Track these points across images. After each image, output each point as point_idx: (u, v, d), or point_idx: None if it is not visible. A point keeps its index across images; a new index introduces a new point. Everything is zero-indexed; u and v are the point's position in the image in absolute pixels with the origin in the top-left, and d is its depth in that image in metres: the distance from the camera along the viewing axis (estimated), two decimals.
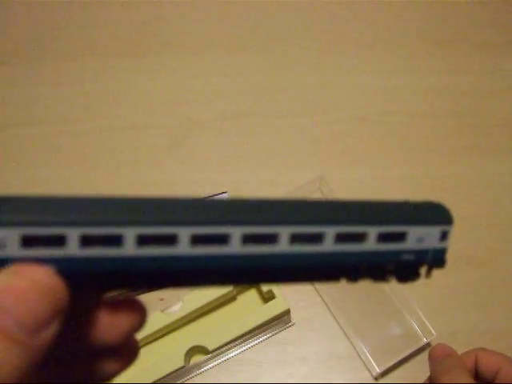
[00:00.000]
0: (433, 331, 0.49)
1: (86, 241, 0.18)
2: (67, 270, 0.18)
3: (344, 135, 0.62)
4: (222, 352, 0.49)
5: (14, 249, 0.18)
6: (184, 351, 0.48)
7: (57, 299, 0.17)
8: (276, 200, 0.22)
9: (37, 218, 0.18)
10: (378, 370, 0.48)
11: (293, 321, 0.51)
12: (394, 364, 0.48)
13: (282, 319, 0.50)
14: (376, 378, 0.48)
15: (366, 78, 0.67)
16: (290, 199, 0.22)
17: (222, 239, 0.20)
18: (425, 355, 0.49)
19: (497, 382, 0.36)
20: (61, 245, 0.18)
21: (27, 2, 0.72)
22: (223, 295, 0.50)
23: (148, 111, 0.64)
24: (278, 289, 0.50)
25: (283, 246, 0.21)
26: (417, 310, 0.50)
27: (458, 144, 0.62)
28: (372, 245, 0.23)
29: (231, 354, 0.50)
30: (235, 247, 0.20)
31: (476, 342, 0.49)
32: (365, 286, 0.51)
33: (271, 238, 0.21)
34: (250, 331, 0.49)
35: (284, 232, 0.21)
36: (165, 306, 0.50)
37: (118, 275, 0.19)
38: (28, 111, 0.64)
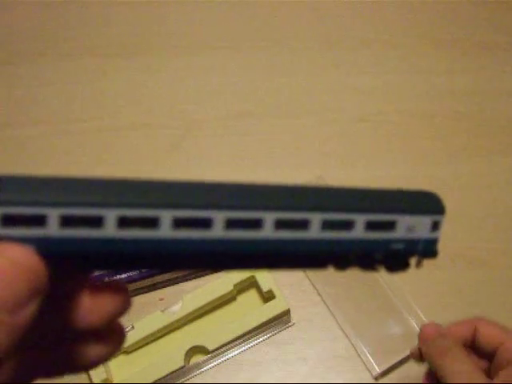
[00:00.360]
0: None
1: (66, 221, 0.18)
2: (47, 250, 0.18)
3: (343, 135, 0.62)
4: (222, 352, 0.49)
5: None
6: (184, 351, 0.48)
7: (36, 278, 0.17)
8: (263, 185, 0.22)
9: (18, 198, 0.18)
10: (377, 370, 0.48)
11: (293, 321, 0.51)
12: (394, 364, 0.48)
13: (281, 319, 0.50)
14: (376, 378, 0.48)
15: (366, 78, 0.66)
16: (278, 184, 0.22)
17: (205, 223, 0.20)
18: None
19: (498, 356, 0.34)
20: (41, 225, 0.18)
21: (27, 2, 0.72)
22: (223, 295, 0.50)
23: (148, 111, 0.64)
24: (277, 289, 0.50)
25: (269, 232, 0.21)
26: (417, 309, 0.50)
27: (458, 144, 0.62)
28: (360, 233, 0.22)
29: (231, 354, 0.50)
30: (218, 231, 0.20)
31: None
32: (365, 286, 0.51)
33: (256, 223, 0.21)
34: (250, 331, 0.49)
35: (269, 217, 0.21)
36: (165, 306, 0.50)
37: (98, 257, 0.19)
38: (28, 111, 0.64)
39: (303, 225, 0.21)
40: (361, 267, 0.24)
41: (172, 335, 0.50)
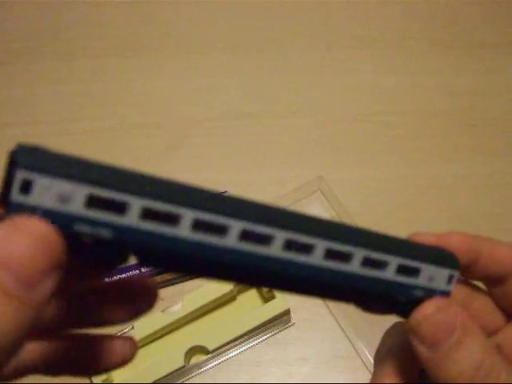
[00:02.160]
0: None
1: (147, 213, 0.18)
2: (125, 238, 0.18)
3: (344, 135, 0.62)
4: (222, 352, 0.49)
5: (78, 206, 0.18)
6: (184, 351, 0.48)
7: (54, 253, 0.17)
8: (308, 216, 0.23)
9: (107, 181, 0.18)
10: None
11: (293, 321, 0.51)
12: None
13: (281, 319, 0.50)
14: None
15: (366, 78, 0.66)
16: (320, 218, 0.23)
17: (266, 239, 0.21)
18: None
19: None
20: (122, 212, 0.18)
21: (27, 2, 0.72)
22: (223, 295, 0.50)
23: (147, 111, 0.64)
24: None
25: (318, 260, 0.22)
26: None
27: (458, 144, 0.62)
28: (391, 274, 0.24)
29: (231, 354, 0.50)
30: (277, 251, 0.21)
31: None
32: None
33: (307, 249, 0.22)
34: (250, 331, 0.49)
35: (320, 245, 0.22)
36: (165, 306, 0.50)
37: (165, 255, 0.20)
38: (28, 111, 0.64)
39: (347, 258, 0.23)
40: (381, 309, 0.26)
41: (172, 335, 0.50)
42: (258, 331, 0.49)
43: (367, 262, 0.23)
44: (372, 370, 0.49)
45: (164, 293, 0.53)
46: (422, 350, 0.24)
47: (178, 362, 0.47)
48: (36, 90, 0.65)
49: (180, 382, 0.49)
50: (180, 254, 0.19)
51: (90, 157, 0.19)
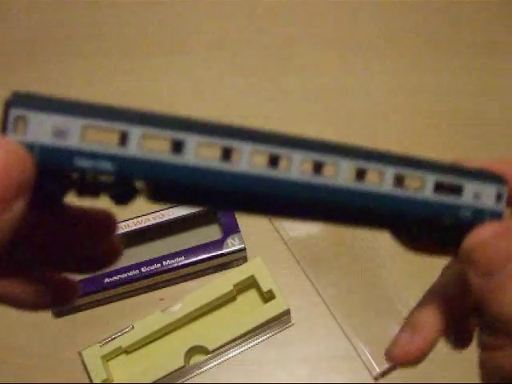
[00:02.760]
0: None
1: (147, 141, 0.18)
2: (123, 169, 0.18)
3: (344, 135, 0.62)
4: (222, 352, 0.49)
5: (74, 140, 0.17)
6: (184, 351, 0.48)
7: (25, 172, 0.17)
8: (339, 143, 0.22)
9: (103, 112, 0.18)
10: (377, 369, 0.48)
11: (293, 321, 0.51)
12: (394, 364, 0.48)
13: (281, 319, 0.50)
14: (376, 378, 0.48)
15: (366, 78, 0.66)
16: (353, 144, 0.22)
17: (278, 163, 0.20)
18: None
19: None
20: (122, 142, 0.18)
21: (27, 2, 0.72)
22: (223, 295, 0.50)
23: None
24: (277, 289, 0.50)
25: (345, 181, 0.21)
26: None
27: (458, 144, 0.62)
28: (430, 194, 0.22)
29: (231, 354, 0.50)
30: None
31: (476, 342, 0.49)
32: (365, 286, 0.51)
33: (334, 170, 0.21)
34: (250, 331, 0.49)
35: (348, 166, 0.21)
36: (165, 306, 0.50)
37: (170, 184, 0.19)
38: None
39: (378, 176, 0.21)
40: (427, 239, 0.23)
41: (172, 335, 0.50)
42: (258, 331, 0.50)
43: (399, 181, 0.22)
44: (372, 370, 0.49)
45: (164, 293, 0.53)
46: (474, 278, 0.22)
47: (178, 362, 0.47)
48: (36, 90, 0.65)
49: (180, 382, 0.49)
50: (188, 183, 0.19)
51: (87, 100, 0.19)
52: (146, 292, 0.53)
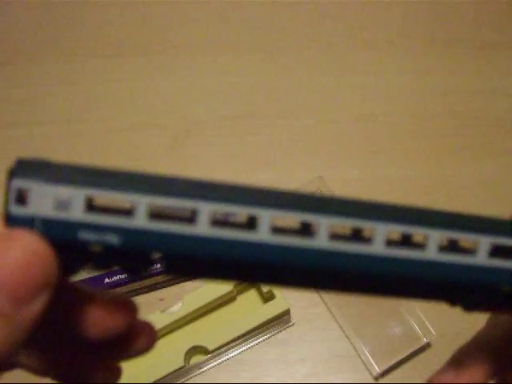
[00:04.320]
0: (433, 331, 0.49)
1: (155, 213, 0.17)
2: (130, 242, 0.17)
3: (344, 135, 0.62)
4: (222, 352, 0.49)
5: (78, 212, 0.16)
6: (184, 351, 0.48)
7: (47, 269, 0.16)
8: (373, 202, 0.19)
9: (107, 180, 0.17)
10: (377, 370, 0.48)
11: (293, 321, 0.51)
12: (394, 364, 0.48)
13: (282, 319, 0.50)
14: (376, 378, 0.48)
15: (366, 78, 0.66)
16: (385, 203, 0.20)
17: (310, 231, 0.18)
18: (425, 355, 0.49)
19: None
20: (128, 214, 0.17)
21: (27, 2, 0.72)
22: (223, 295, 0.50)
23: (148, 111, 0.64)
24: (278, 289, 0.50)
25: (382, 248, 0.18)
26: (417, 309, 0.50)
27: (458, 144, 0.62)
28: (483, 257, 0.20)
29: (231, 354, 0.50)
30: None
31: None
32: None
33: (364, 237, 0.18)
34: (250, 331, 0.49)
35: (387, 231, 0.18)
36: (165, 306, 0.50)
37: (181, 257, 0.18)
38: (28, 111, 0.64)
39: (421, 244, 0.19)
40: (485, 304, 0.22)
41: (172, 335, 0.50)
42: (258, 331, 0.49)
43: (448, 246, 0.19)
44: (372, 370, 0.49)
45: (164, 293, 0.53)
46: None
47: (178, 361, 0.47)
48: (39, 91, 0.65)
49: (180, 382, 0.49)
50: (202, 254, 0.17)
51: (91, 157, 0.19)
52: (146, 292, 0.53)
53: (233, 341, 0.49)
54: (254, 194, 0.18)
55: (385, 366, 0.48)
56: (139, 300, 0.52)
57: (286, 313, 0.50)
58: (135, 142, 0.62)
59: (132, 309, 0.21)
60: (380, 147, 0.62)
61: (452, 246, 0.19)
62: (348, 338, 0.50)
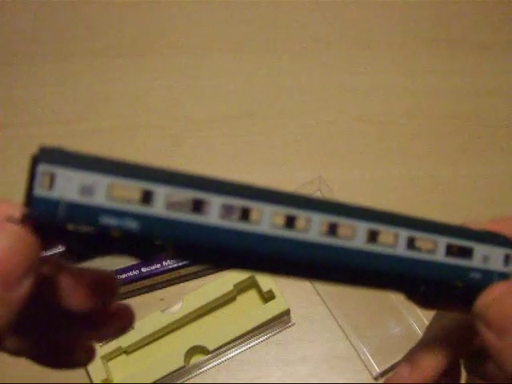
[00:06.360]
0: None
1: (172, 203, 0.18)
2: (148, 229, 0.18)
3: (343, 135, 0.62)
4: (222, 352, 0.49)
5: (101, 197, 0.18)
6: (184, 351, 0.48)
7: (31, 254, 0.17)
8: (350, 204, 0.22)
9: (129, 170, 0.18)
10: (377, 370, 0.48)
11: (293, 321, 0.51)
12: (394, 364, 0.48)
13: (282, 319, 0.50)
14: (376, 378, 0.48)
15: (366, 78, 0.66)
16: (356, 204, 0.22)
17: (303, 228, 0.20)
18: None
19: None
20: (147, 202, 0.18)
21: (27, 2, 0.72)
22: (223, 295, 0.50)
23: (149, 111, 0.64)
24: (277, 289, 0.50)
25: (359, 243, 0.21)
26: (417, 309, 0.50)
27: (458, 144, 0.62)
28: (441, 256, 0.23)
29: (231, 354, 0.50)
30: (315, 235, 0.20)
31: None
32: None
33: (347, 232, 0.21)
34: (250, 331, 0.49)
35: (362, 228, 0.21)
36: (165, 306, 0.50)
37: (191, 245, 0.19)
38: (28, 111, 0.64)
39: (392, 240, 0.22)
40: (439, 299, 0.24)
41: (172, 335, 0.50)
42: (258, 331, 0.49)
43: (412, 244, 0.22)
44: (372, 370, 0.49)
45: (164, 293, 0.53)
46: (488, 336, 0.22)
47: (178, 362, 0.47)
48: (36, 90, 0.65)
49: (180, 382, 0.49)
50: (212, 243, 0.19)
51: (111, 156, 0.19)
52: (146, 292, 0.53)
53: (233, 341, 0.49)
54: (249, 189, 0.20)
55: (385, 366, 0.48)
56: (139, 300, 0.52)
57: (286, 313, 0.50)
58: (135, 142, 0.62)
59: (113, 284, 0.23)
60: (380, 147, 0.62)
61: (414, 245, 0.22)
62: (348, 338, 0.50)
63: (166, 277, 0.52)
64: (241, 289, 0.52)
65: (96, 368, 0.47)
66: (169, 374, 0.47)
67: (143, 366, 0.48)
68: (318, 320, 0.52)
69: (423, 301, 0.25)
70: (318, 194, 0.57)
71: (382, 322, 0.51)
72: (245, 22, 0.71)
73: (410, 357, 0.27)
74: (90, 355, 0.25)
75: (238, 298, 0.52)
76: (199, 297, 0.50)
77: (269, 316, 0.49)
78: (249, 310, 0.50)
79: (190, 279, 0.53)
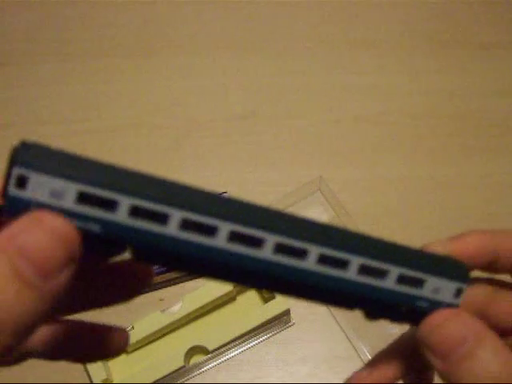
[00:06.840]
0: None
1: (135, 211, 0.19)
2: (114, 233, 0.19)
3: (344, 135, 0.62)
4: (222, 352, 0.49)
5: (69, 202, 0.19)
6: (184, 351, 0.48)
7: (71, 247, 0.18)
8: (303, 219, 0.22)
9: (97, 179, 0.19)
10: None
11: (293, 321, 0.51)
12: None
13: (282, 319, 0.50)
14: None
15: (367, 78, 0.66)
16: (319, 222, 0.23)
17: (257, 243, 0.21)
18: None
19: None
20: (111, 209, 0.19)
21: (27, 2, 0.72)
22: (223, 295, 0.50)
23: (149, 111, 0.64)
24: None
25: (311, 265, 0.22)
26: None
27: (458, 144, 0.62)
28: (392, 284, 0.23)
29: (231, 354, 0.50)
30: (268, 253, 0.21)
31: None
32: None
33: (300, 254, 0.22)
34: (250, 331, 0.49)
35: (313, 251, 0.22)
36: (165, 306, 0.50)
37: (155, 251, 0.20)
38: (28, 111, 0.64)
39: (343, 265, 0.22)
40: (386, 317, 0.26)
41: (172, 335, 0.50)
42: (258, 331, 0.49)
43: (365, 270, 0.23)
44: None
45: (164, 293, 0.53)
46: (434, 361, 0.23)
47: (178, 361, 0.47)
48: (36, 90, 0.65)
49: (180, 382, 0.49)
50: (169, 251, 0.20)
51: (90, 156, 0.20)
52: (146, 292, 0.53)
53: (233, 341, 0.49)
54: (215, 204, 0.21)
55: None
56: (139, 300, 0.52)
57: (286, 313, 0.50)
58: (135, 142, 0.62)
59: (148, 273, 0.24)
60: (380, 147, 0.62)
61: (366, 271, 0.23)
62: (348, 338, 0.50)
63: (165, 277, 0.52)
64: (241, 289, 0.52)
65: (96, 368, 0.47)
66: (169, 374, 0.47)
67: (143, 365, 0.48)
68: (318, 320, 0.52)
69: (368, 317, 0.27)
70: (318, 194, 0.58)
71: (382, 322, 0.51)
72: (246, 22, 0.71)
73: (373, 360, 0.29)
74: (125, 342, 0.27)
75: (237, 298, 0.52)
76: (199, 297, 0.50)
77: (269, 316, 0.49)
78: (249, 310, 0.50)
79: (190, 279, 0.53)
